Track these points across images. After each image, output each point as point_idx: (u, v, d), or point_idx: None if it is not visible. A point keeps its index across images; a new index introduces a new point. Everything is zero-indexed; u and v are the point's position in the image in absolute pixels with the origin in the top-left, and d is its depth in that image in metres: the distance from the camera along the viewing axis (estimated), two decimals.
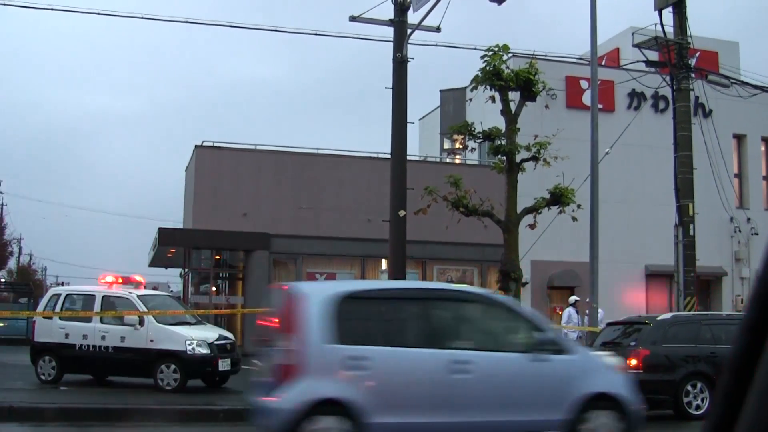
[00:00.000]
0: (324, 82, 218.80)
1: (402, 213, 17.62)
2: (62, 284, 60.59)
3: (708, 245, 31.15)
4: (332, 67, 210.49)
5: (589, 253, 20.53)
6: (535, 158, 19.74)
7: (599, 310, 21.96)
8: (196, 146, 32.33)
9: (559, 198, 19.83)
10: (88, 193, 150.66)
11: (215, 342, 18.56)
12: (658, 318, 17.81)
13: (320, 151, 33.37)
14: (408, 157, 18.75)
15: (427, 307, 10.97)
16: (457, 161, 37.96)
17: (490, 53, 19.07)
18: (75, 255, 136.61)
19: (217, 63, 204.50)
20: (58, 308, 19.48)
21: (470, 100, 20.72)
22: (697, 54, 29.67)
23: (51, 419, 14.50)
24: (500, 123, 19.91)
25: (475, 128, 20.33)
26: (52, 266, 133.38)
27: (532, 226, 20.12)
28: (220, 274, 36.56)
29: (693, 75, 23.89)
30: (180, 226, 37.35)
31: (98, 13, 23.39)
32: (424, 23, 18.21)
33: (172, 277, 60.42)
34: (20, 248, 74.52)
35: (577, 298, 27.39)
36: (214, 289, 34.98)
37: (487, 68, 18.97)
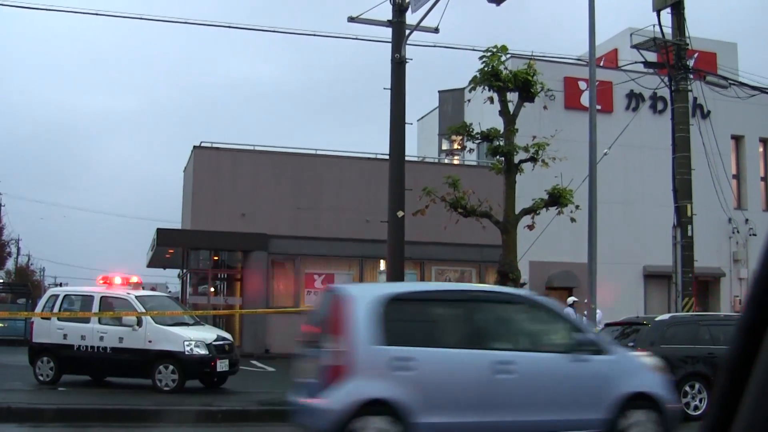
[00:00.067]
0: (323, 82, 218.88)
1: (400, 214, 17.61)
2: (60, 285, 60.57)
3: (706, 246, 31.21)
4: (331, 68, 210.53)
5: (587, 254, 20.51)
6: (533, 159, 19.75)
7: (597, 311, 21.92)
8: (194, 147, 32.33)
9: (557, 199, 19.83)
10: (87, 193, 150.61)
11: (213, 343, 18.55)
12: (657, 319, 17.82)
13: (318, 152, 33.37)
14: (406, 158, 18.75)
15: (470, 308, 11.15)
16: (456, 162, 37.96)
17: (489, 54, 19.07)
18: (73, 256, 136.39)
19: (216, 63, 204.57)
20: (56, 309, 19.47)
21: (469, 100, 20.74)
22: (696, 55, 29.70)
23: (49, 420, 14.50)
24: (499, 124, 19.91)
25: (473, 129, 20.33)
26: (50, 267, 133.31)
27: (531, 227, 20.12)
28: (219, 275, 36.53)
29: (691, 76, 23.91)
30: (178, 226, 37.36)
31: (96, 14, 23.41)
32: (422, 24, 18.21)
33: (171, 278, 60.35)
34: (18, 249, 74.57)
35: (576, 299, 27.40)
36: (212, 289, 34.94)
37: (486, 69, 18.97)
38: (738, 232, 36.15)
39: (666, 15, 22.88)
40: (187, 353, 18.00)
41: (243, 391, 18.68)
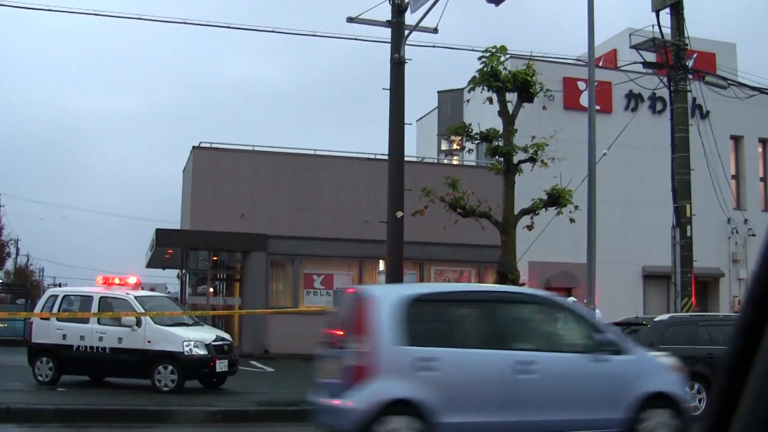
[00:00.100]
0: (322, 82, 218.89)
1: (399, 214, 17.62)
2: (59, 285, 60.57)
3: (705, 246, 31.22)
4: (330, 68, 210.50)
5: (586, 254, 20.51)
6: (532, 159, 19.76)
7: (597, 312, 21.93)
8: (193, 147, 32.32)
9: (556, 199, 19.84)
10: (86, 194, 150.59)
11: (213, 343, 18.55)
12: (656, 319, 17.83)
13: (318, 152, 33.36)
14: (405, 158, 18.75)
15: (491, 308, 11.34)
16: (455, 162, 37.96)
17: (488, 54, 19.08)
18: (72, 256, 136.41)
19: (216, 64, 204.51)
20: (55, 309, 19.47)
21: (468, 101, 20.75)
22: (695, 55, 29.69)
23: (48, 420, 14.49)
24: (498, 124, 19.92)
25: (472, 129, 20.34)
26: (49, 267, 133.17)
27: (530, 227, 20.13)
28: (218, 275, 36.54)
29: (690, 76, 23.92)
30: (177, 227, 37.35)
31: (96, 14, 23.41)
32: (421, 24, 18.22)
33: (170, 278, 60.32)
34: (18, 249, 74.57)
35: (575, 299, 27.41)
36: (211, 290, 34.94)
37: (485, 69, 18.98)
38: (737, 232, 36.15)
39: (665, 15, 22.89)
40: (186, 353, 18.00)
41: (242, 391, 18.67)
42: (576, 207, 19.72)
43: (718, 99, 29.84)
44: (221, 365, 18.57)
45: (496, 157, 19.81)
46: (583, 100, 31.19)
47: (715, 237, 35.02)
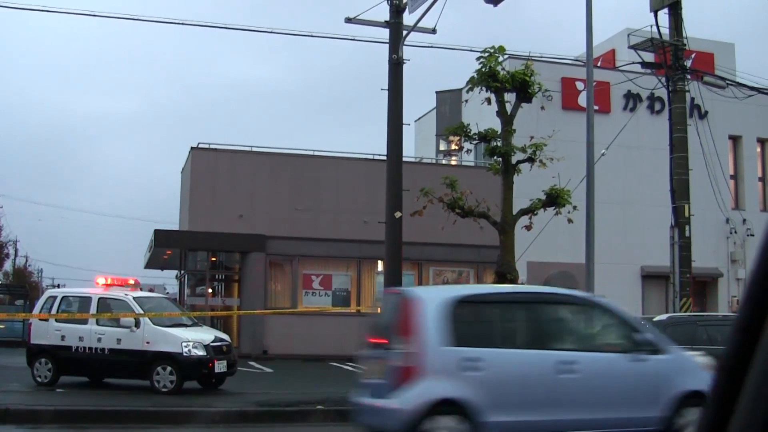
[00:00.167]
0: (320, 83, 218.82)
1: (398, 214, 17.63)
2: (58, 286, 60.57)
3: (704, 246, 31.23)
4: (329, 69, 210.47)
5: (585, 254, 20.52)
6: (531, 159, 19.75)
7: None
8: (191, 148, 32.32)
9: (555, 199, 19.83)
10: (85, 194, 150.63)
11: (211, 344, 18.55)
12: (654, 319, 17.84)
13: (316, 153, 33.36)
14: (404, 159, 18.76)
15: (533, 309, 11.57)
16: (453, 162, 37.96)
17: (486, 55, 19.06)
18: (71, 257, 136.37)
19: (215, 64, 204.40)
20: (54, 310, 19.47)
21: (466, 101, 20.72)
22: (693, 55, 29.73)
23: (47, 421, 14.50)
24: (496, 124, 19.92)
25: (470, 129, 20.33)
26: (48, 268, 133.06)
27: (528, 228, 20.13)
28: (216, 276, 36.52)
29: (689, 76, 23.93)
30: (176, 227, 37.34)
31: (93, 15, 23.42)
32: (419, 25, 18.22)
33: (169, 279, 60.32)
34: (16, 250, 74.56)
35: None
36: (210, 290, 34.91)
37: (483, 70, 18.97)
38: (735, 232, 36.17)
39: (663, 15, 22.91)
40: (185, 354, 18.00)
41: (241, 392, 18.67)
42: (574, 207, 19.72)
43: (717, 99, 29.85)
44: (220, 366, 18.57)
45: (495, 157, 19.80)
46: (582, 100, 31.17)
47: (713, 237, 35.04)
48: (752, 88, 27.30)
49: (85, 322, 18.80)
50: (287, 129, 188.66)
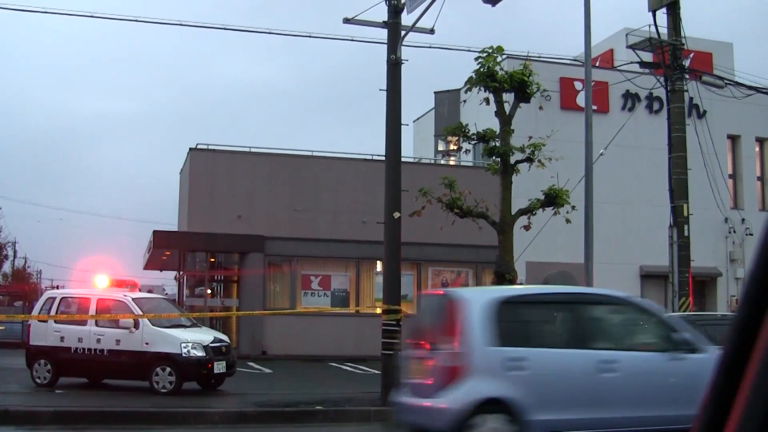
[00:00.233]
0: (319, 84, 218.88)
1: (397, 215, 17.60)
2: (57, 287, 60.54)
3: (703, 246, 31.23)
4: (327, 69, 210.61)
5: (584, 254, 20.52)
6: (529, 159, 19.74)
7: None
8: (190, 149, 32.30)
9: (553, 199, 19.83)
10: (84, 196, 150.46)
11: (210, 344, 18.55)
12: None
13: (315, 153, 33.35)
14: (402, 159, 18.72)
15: (575, 309, 11.71)
16: (452, 163, 37.98)
17: (484, 55, 19.05)
18: (70, 258, 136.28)
19: (213, 65, 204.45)
20: (53, 311, 19.47)
21: (464, 101, 20.71)
22: (691, 55, 29.75)
23: (46, 422, 14.50)
24: (494, 124, 19.92)
25: (469, 130, 20.33)
26: (47, 269, 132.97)
27: (527, 228, 20.11)
28: (215, 277, 36.53)
29: (687, 76, 23.91)
30: (175, 228, 37.33)
31: (92, 16, 23.38)
32: (418, 25, 18.18)
33: (167, 280, 60.33)
34: (15, 252, 74.55)
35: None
36: (209, 291, 34.94)
37: (481, 70, 18.96)
38: (734, 231, 36.18)
39: (662, 15, 22.89)
40: (184, 355, 18.00)
41: (240, 392, 18.67)
42: (573, 207, 19.73)
43: (715, 99, 29.84)
44: (219, 367, 18.58)
45: (493, 157, 19.79)
46: (580, 100, 31.18)
47: (712, 236, 35.05)
48: (751, 88, 27.29)
49: (84, 323, 18.80)
50: (286, 129, 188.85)
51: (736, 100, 28.28)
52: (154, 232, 32.22)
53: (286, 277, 32.03)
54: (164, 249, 33.10)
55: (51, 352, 18.86)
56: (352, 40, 23.36)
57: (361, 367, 26.63)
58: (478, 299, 10.85)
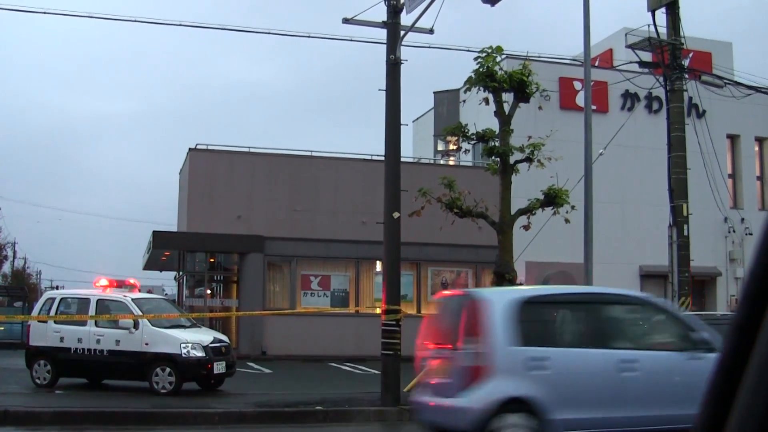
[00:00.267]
0: (318, 84, 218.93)
1: (396, 215, 17.60)
2: (57, 288, 60.53)
3: (702, 245, 31.20)
4: (326, 70, 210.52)
5: (583, 254, 20.51)
6: (528, 159, 19.74)
7: None
8: (189, 149, 32.30)
9: (553, 199, 19.83)
10: (83, 196, 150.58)
11: (210, 345, 18.55)
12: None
13: (314, 154, 33.36)
14: (402, 159, 18.72)
15: (596, 309, 11.82)
16: (451, 163, 37.98)
17: (484, 55, 19.05)
18: (69, 259, 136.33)
19: (212, 65, 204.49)
20: (52, 312, 19.46)
21: (464, 101, 20.70)
22: (691, 54, 29.73)
23: (46, 423, 14.49)
24: (494, 124, 19.92)
25: (468, 130, 20.33)
26: (46, 270, 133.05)
27: (526, 227, 20.11)
28: (215, 277, 36.55)
29: (686, 76, 23.89)
30: (174, 229, 37.32)
31: (90, 17, 23.36)
32: (417, 25, 18.17)
33: (167, 280, 60.37)
34: (15, 252, 74.57)
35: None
36: (208, 291, 34.94)
37: (481, 70, 18.96)
38: (734, 231, 36.19)
39: (661, 15, 22.87)
40: (183, 355, 18.00)
41: (240, 393, 18.67)
42: (573, 207, 19.73)
43: (715, 98, 29.83)
44: (219, 367, 18.57)
45: (493, 157, 19.79)
46: (579, 99, 31.18)
47: (712, 236, 35.05)
48: (750, 87, 27.29)
49: (84, 323, 18.80)
50: (285, 129, 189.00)
51: (736, 100, 28.28)
52: (154, 232, 32.21)
53: (286, 277, 32.04)
54: (164, 249, 33.10)
55: (51, 352, 18.86)
56: (351, 40, 23.37)
57: (360, 367, 26.63)
58: (500, 299, 10.95)
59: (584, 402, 10.55)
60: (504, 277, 18.78)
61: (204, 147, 32.11)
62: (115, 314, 18.76)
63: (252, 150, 32.60)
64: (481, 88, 19.17)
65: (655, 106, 35.26)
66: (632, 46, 24.68)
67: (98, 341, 18.45)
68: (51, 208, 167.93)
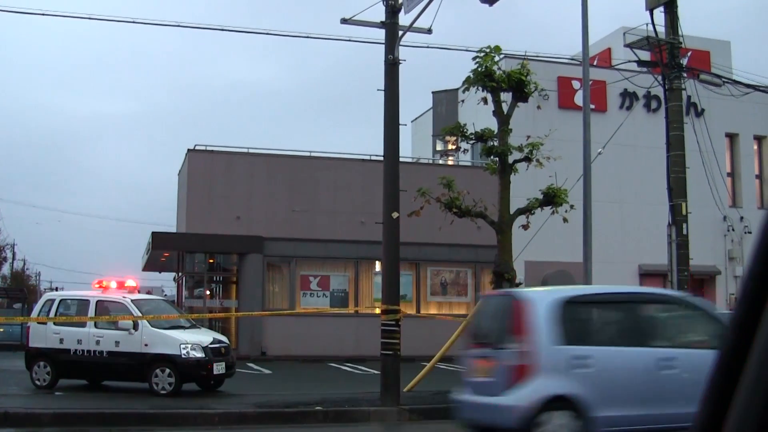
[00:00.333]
0: (317, 84, 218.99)
1: (395, 215, 17.59)
2: (56, 289, 60.51)
3: (701, 244, 31.18)
4: (325, 70, 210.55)
5: (582, 253, 20.51)
6: (527, 159, 19.73)
7: None
8: (188, 150, 32.30)
9: (552, 198, 19.82)
10: (82, 197, 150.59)
11: (210, 345, 18.54)
12: None
13: (313, 154, 33.36)
14: (401, 159, 18.72)
15: (635, 309, 12.12)
16: (450, 162, 37.99)
17: (482, 54, 19.03)
18: (69, 260, 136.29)
19: (211, 66, 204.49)
20: (52, 313, 19.45)
21: (462, 101, 20.74)
22: (689, 53, 29.72)
23: (46, 424, 14.49)
24: (492, 124, 19.91)
25: (467, 129, 20.32)
26: (46, 271, 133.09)
27: (525, 227, 20.10)
28: (214, 278, 36.55)
29: (685, 74, 23.88)
30: (173, 230, 37.32)
31: (90, 18, 23.35)
32: (415, 25, 18.17)
33: (166, 281, 60.40)
34: (14, 253, 74.55)
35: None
36: (208, 292, 34.94)
37: (479, 69, 18.94)
38: (733, 229, 36.18)
39: (659, 14, 22.85)
40: (183, 356, 17.99)
41: (240, 393, 18.67)
42: (572, 206, 19.72)
43: (713, 97, 29.83)
44: (218, 368, 18.57)
45: (491, 157, 19.78)
46: (578, 99, 31.21)
47: (711, 235, 35.04)
48: (748, 86, 27.27)
49: (83, 325, 18.79)
50: (284, 130, 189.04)
51: (734, 99, 28.26)
52: (153, 233, 32.22)
53: (285, 277, 32.05)
54: (163, 250, 33.11)
55: (50, 354, 18.85)
56: (349, 40, 23.35)
57: (360, 367, 26.63)
58: (543, 299, 11.16)
59: (625, 399, 10.73)
60: (503, 276, 18.78)
61: (203, 148, 32.12)
62: (115, 315, 18.76)
63: (251, 150, 32.62)
64: (480, 88, 19.15)
65: (654, 105, 35.26)
66: (631, 45, 24.66)
67: (98, 342, 18.45)
68: (50, 210, 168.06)
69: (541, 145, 19.73)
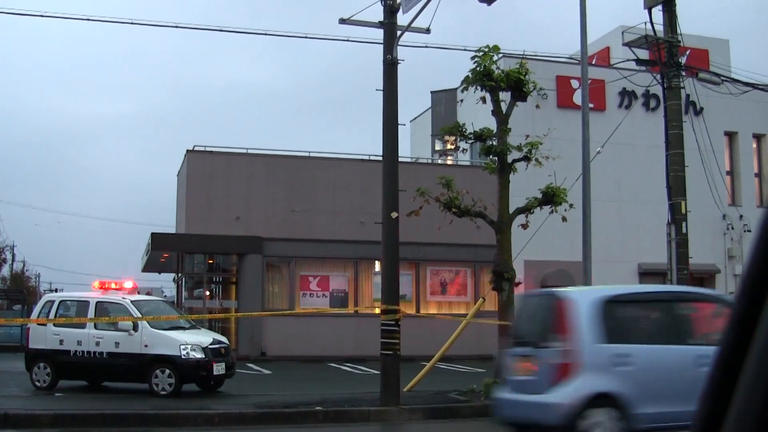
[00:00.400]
0: (315, 84, 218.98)
1: (394, 215, 17.58)
2: (56, 291, 60.50)
3: (701, 243, 31.20)
4: (323, 70, 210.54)
5: (582, 253, 20.51)
6: (526, 158, 19.72)
7: None
8: (187, 151, 32.30)
9: (551, 198, 19.81)
10: (81, 198, 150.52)
11: (210, 346, 18.55)
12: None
13: (312, 154, 33.36)
14: (400, 159, 18.71)
15: (674, 307, 12.32)
16: (449, 162, 37.99)
17: (481, 54, 19.02)
18: (68, 261, 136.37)
19: (210, 66, 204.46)
20: (52, 315, 19.45)
21: (461, 101, 20.74)
22: (688, 52, 29.68)
23: (46, 425, 14.49)
24: (491, 123, 19.90)
25: (466, 129, 20.30)
26: (45, 273, 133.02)
27: (525, 226, 20.10)
28: (214, 278, 36.55)
29: (684, 73, 23.88)
30: (173, 230, 37.32)
31: (88, 19, 23.34)
32: (413, 25, 18.16)
33: (166, 282, 60.37)
34: (14, 255, 74.52)
35: None
36: (207, 293, 34.94)
37: (478, 69, 18.93)
38: (732, 228, 36.18)
39: (657, 12, 22.85)
40: (183, 357, 18.00)
41: (239, 394, 18.67)
42: (571, 205, 19.71)
43: (712, 95, 29.85)
44: (218, 368, 18.57)
45: (490, 156, 19.77)
46: (577, 98, 31.22)
47: (710, 233, 35.05)
48: (747, 84, 27.28)
49: (83, 326, 18.78)
50: (283, 130, 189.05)
51: (733, 97, 28.26)
52: (152, 234, 32.22)
53: (285, 278, 32.05)
54: (162, 251, 33.10)
55: (50, 355, 18.86)
56: (347, 40, 23.33)
57: (360, 367, 26.64)
58: (585, 298, 11.34)
59: (665, 396, 10.86)
60: (503, 276, 18.78)
61: (202, 148, 32.11)
62: (115, 316, 18.75)
63: (250, 151, 32.62)
64: (479, 88, 19.15)
65: (653, 103, 35.26)
66: (629, 44, 24.66)
67: (98, 343, 18.45)
68: (50, 211, 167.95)
69: (540, 145, 19.71)
